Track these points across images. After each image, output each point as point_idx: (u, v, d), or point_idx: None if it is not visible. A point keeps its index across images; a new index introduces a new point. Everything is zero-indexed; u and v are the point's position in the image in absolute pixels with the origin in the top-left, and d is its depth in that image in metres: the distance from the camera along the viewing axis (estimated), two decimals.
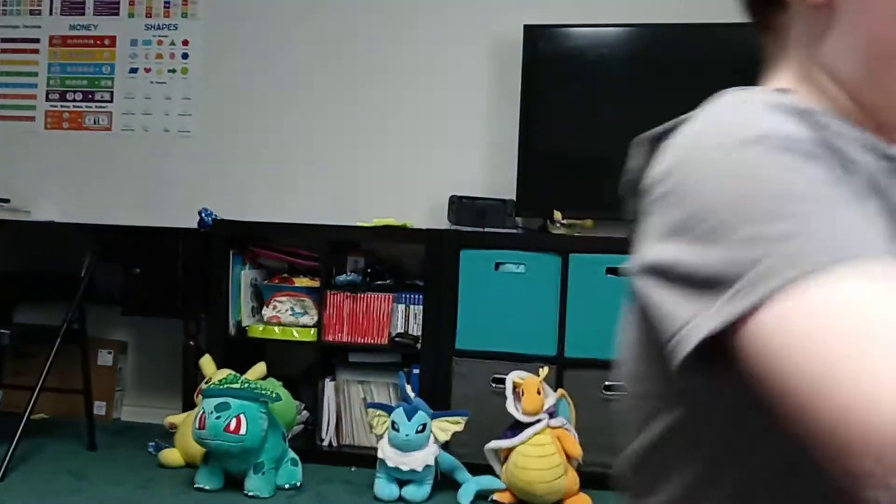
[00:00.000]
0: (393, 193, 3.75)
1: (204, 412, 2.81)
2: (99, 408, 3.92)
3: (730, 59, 3.36)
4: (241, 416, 2.78)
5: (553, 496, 2.87)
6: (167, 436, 3.35)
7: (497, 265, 3.23)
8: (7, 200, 3.93)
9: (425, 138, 3.77)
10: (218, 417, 2.78)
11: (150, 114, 4.05)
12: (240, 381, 2.93)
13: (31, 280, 3.67)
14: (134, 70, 4.09)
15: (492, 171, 3.65)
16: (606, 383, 3.08)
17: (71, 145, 4.09)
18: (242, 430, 2.77)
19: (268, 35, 3.94)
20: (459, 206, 3.41)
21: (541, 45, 3.48)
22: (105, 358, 3.98)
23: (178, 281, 3.51)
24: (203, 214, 3.57)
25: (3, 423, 3.21)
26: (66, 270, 3.31)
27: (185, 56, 4.03)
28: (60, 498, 2.77)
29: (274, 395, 2.90)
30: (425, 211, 3.63)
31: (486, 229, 3.34)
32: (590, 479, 2.95)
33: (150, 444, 3.37)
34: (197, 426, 2.81)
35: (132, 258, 3.53)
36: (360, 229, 3.44)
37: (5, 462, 2.96)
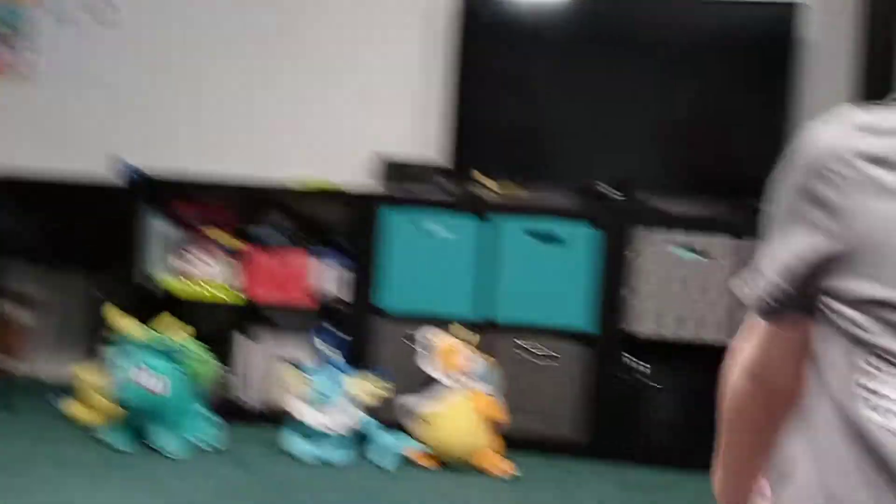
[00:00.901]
0: (318, 149, 3.68)
1: (118, 368, 2.74)
2: (5, 362, 3.78)
3: (669, 32, 3.42)
4: (156, 372, 2.71)
5: (474, 459, 2.90)
6: (76, 390, 3.25)
7: (422, 227, 3.22)
8: None
9: (353, 95, 3.70)
10: (130, 373, 2.71)
11: (66, 61, 3.87)
12: (155, 337, 2.86)
13: None
14: (56, 16, 3.87)
15: (420, 133, 3.62)
16: (529, 346, 3.11)
17: None
18: (157, 387, 2.70)
19: None
20: (386, 167, 3.37)
21: (476, 5, 3.45)
22: (16, 314, 3.82)
23: (90, 233, 3.38)
24: (120, 166, 3.44)
25: None
26: None
27: (110, 4, 3.85)
28: None
29: (189, 351, 2.84)
30: (350, 169, 3.58)
31: (412, 191, 3.32)
32: (513, 443, 2.99)
33: (57, 398, 3.26)
34: (111, 382, 2.73)
35: (42, 208, 3.39)
36: (282, 187, 3.37)
37: None
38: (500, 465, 2.90)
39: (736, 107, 3.35)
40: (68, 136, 3.82)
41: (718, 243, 3.08)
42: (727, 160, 3.38)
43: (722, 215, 3.23)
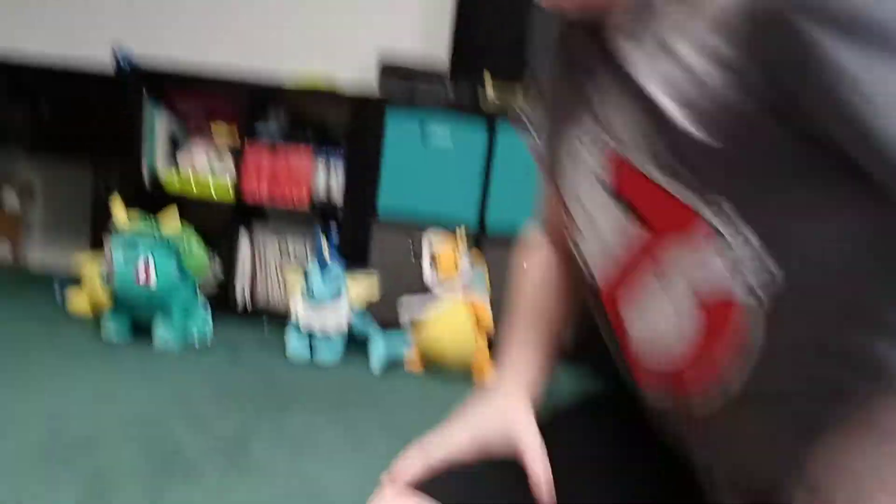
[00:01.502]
0: (320, 46, 3.59)
1: (113, 259, 2.73)
2: (4, 251, 3.80)
3: None
4: (151, 263, 2.71)
5: (463, 366, 2.91)
6: (75, 282, 3.27)
7: (424, 132, 3.16)
8: None
9: None
10: (126, 263, 2.70)
11: None
12: (151, 228, 2.84)
13: None
14: None
15: (425, 30, 3.53)
16: None
17: None
18: (151, 278, 2.70)
19: None
20: (391, 70, 3.29)
21: None
22: (11, 201, 3.81)
23: (89, 122, 3.34)
24: (119, 56, 3.38)
25: None
26: None
27: None
28: None
29: (186, 244, 2.83)
30: (353, 66, 3.51)
31: (415, 93, 3.25)
32: None
33: (57, 287, 3.29)
34: (106, 272, 2.74)
35: (42, 95, 3.34)
36: (287, 86, 3.31)
37: None
38: (491, 372, 2.92)
39: None
40: (70, 21, 3.74)
41: None
42: None
43: None
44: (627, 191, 0.69)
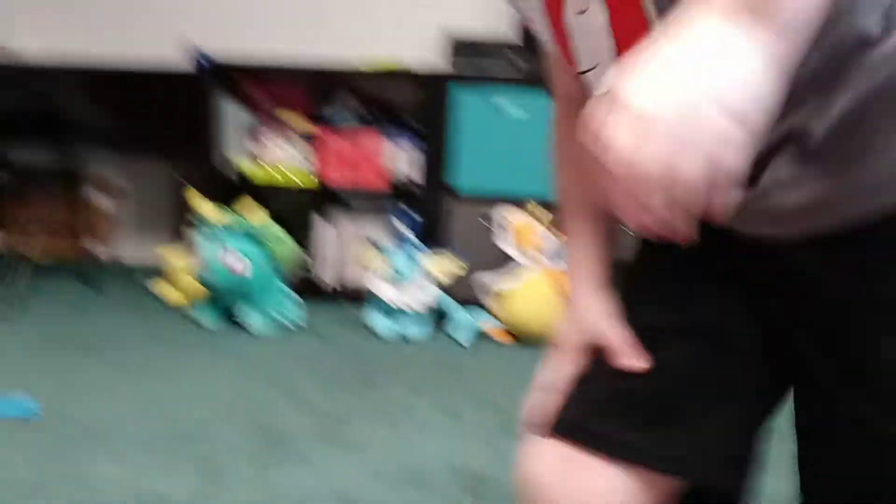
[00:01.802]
0: (389, 29, 3.63)
1: (204, 251, 2.83)
2: (98, 249, 3.95)
3: None
4: (240, 254, 2.80)
5: (548, 335, 2.93)
6: (163, 273, 3.39)
7: (493, 105, 3.18)
8: None
9: None
10: (217, 256, 2.80)
11: None
12: (238, 221, 2.94)
13: (20, 121, 3.60)
14: None
15: (493, 11, 3.53)
16: None
17: None
18: (242, 268, 2.80)
19: None
20: (458, 47, 3.31)
21: None
22: (100, 200, 3.96)
23: (169, 121, 3.45)
24: (194, 54, 3.47)
25: (5, 264, 3.24)
26: (55, 110, 3.25)
27: None
28: (67, 333, 2.83)
29: (269, 232, 2.91)
30: (419, 47, 3.53)
31: (483, 68, 3.26)
32: None
33: (149, 282, 3.42)
34: (196, 265, 2.84)
35: (118, 95, 3.46)
36: (355, 70, 3.36)
37: (11, 301, 3.00)
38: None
39: None
40: (138, 21, 3.86)
41: None
42: None
43: None
44: None
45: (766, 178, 0.69)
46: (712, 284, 0.82)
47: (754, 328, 0.80)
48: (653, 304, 0.85)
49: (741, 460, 0.82)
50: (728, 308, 0.81)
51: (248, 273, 2.81)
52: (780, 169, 0.68)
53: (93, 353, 2.65)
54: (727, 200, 0.57)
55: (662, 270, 0.86)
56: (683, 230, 0.59)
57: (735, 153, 0.55)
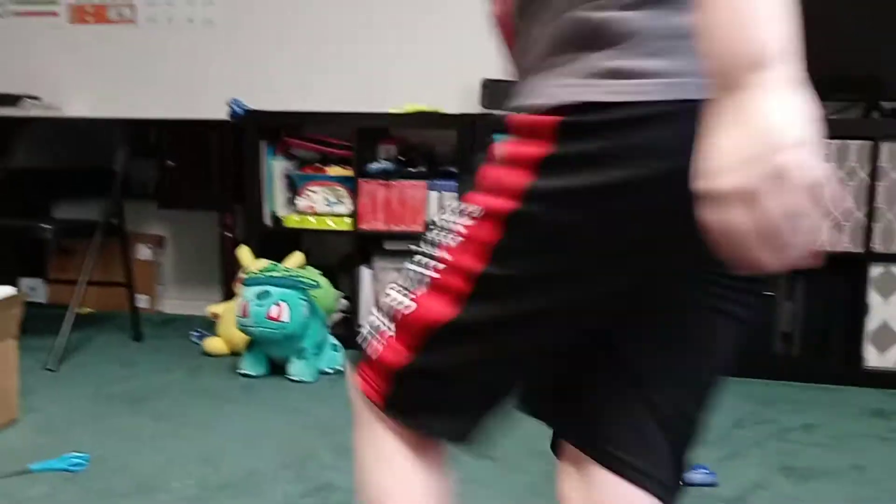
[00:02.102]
0: (424, 78, 3.68)
1: (246, 301, 2.86)
2: (141, 301, 4.00)
3: None
4: (282, 303, 2.82)
5: None
6: (209, 326, 3.42)
7: None
8: (38, 98, 3.93)
9: (455, 18, 3.67)
10: (260, 305, 2.82)
11: (173, 4, 3.98)
12: (279, 270, 2.96)
13: (67, 176, 3.70)
14: None
15: None
16: None
17: (96, 39, 4.05)
18: (284, 317, 2.81)
19: None
20: (492, 89, 3.33)
21: None
22: (145, 252, 4.03)
23: (211, 173, 3.51)
24: (233, 105, 3.54)
25: (51, 316, 3.29)
26: (101, 165, 3.32)
27: None
28: (113, 386, 2.86)
29: (313, 282, 2.93)
30: (457, 95, 3.57)
31: None
32: None
33: (194, 333, 3.45)
34: (240, 314, 2.86)
35: (165, 152, 3.54)
36: (391, 116, 3.40)
37: (58, 353, 3.04)
38: None
39: None
40: (182, 80, 3.95)
41: None
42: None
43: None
44: None
45: None
46: None
47: None
48: None
49: None
50: None
51: (289, 321, 2.82)
52: None
53: (139, 405, 2.67)
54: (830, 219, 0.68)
55: None
56: (812, 257, 0.69)
57: (824, 184, 0.66)
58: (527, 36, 0.90)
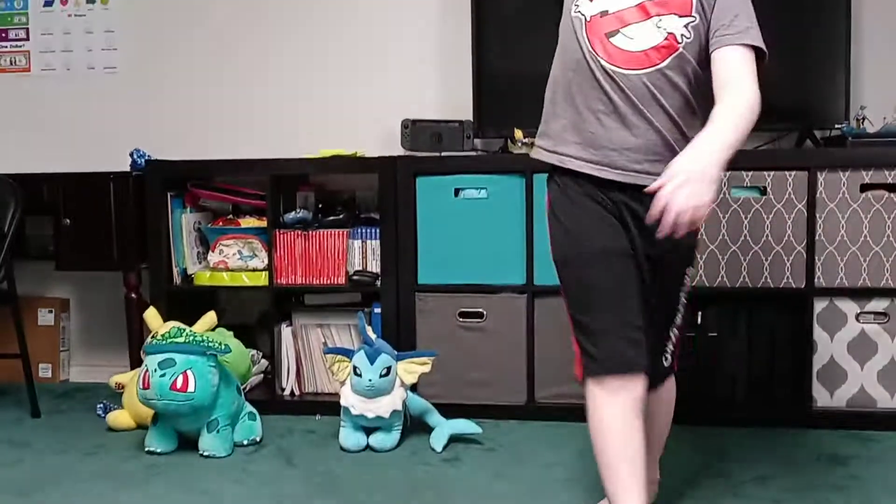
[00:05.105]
0: (341, 121, 3.48)
1: (147, 370, 2.59)
2: (44, 370, 3.69)
3: None
4: (188, 372, 2.56)
5: None
6: (116, 396, 3.13)
7: (457, 191, 3.00)
8: None
9: (371, 59, 3.49)
10: (163, 375, 2.55)
11: (70, 51, 3.72)
12: (184, 335, 2.70)
13: None
14: (49, 3, 3.74)
15: (446, 91, 3.40)
16: None
17: None
18: (190, 387, 2.55)
19: None
20: (413, 130, 3.15)
21: None
22: (46, 317, 3.72)
23: (113, 230, 3.24)
24: (135, 156, 3.29)
25: None
26: None
27: None
28: (5, 477, 2.54)
29: (223, 346, 2.67)
30: (377, 138, 3.38)
31: (443, 153, 3.10)
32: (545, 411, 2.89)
33: (98, 405, 3.15)
34: (141, 386, 2.59)
35: (62, 208, 3.25)
36: (306, 161, 3.19)
37: None
38: None
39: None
40: (81, 131, 3.70)
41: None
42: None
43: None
44: None
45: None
46: (618, 226, 1.78)
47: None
48: (602, 235, 1.77)
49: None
50: (628, 240, 1.78)
51: (196, 391, 2.56)
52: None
53: (26, 498, 2.37)
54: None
55: (600, 216, 1.78)
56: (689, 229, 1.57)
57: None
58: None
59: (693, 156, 1.57)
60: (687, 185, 1.52)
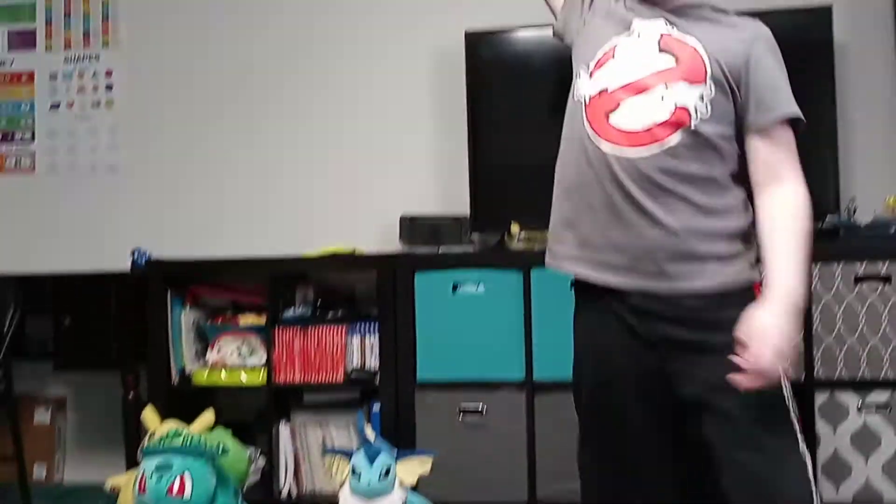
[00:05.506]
0: (339, 219, 3.53)
1: (144, 474, 2.56)
2: (39, 471, 3.64)
3: None
4: (185, 476, 2.52)
5: None
6: (112, 500, 3.08)
7: (455, 287, 3.02)
8: None
9: (369, 158, 3.56)
10: (159, 479, 2.52)
11: (75, 151, 3.80)
12: (182, 436, 2.67)
13: None
14: (56, 106, 3.83)
15: (442, 188, 3.45)
16: None
17: None
18: (187, 492, 2.50)
19: (194, 60, 3.70)
20: (411, 227, 3.19)
21: (484, 51, 3.29)
22: (42, 416, 3.69)
23: (113, 329, 3.24)
24: (135, 255, 3.32)
25: None
26: None
27: (108, 88, 3.79)
28: None
29: (220, 448, 2.65)
30: (375, 234, 3.41)
31: (441, 249, 3.14)
32: None
33: None
34: (137, 490, 2.55)
35: (62, 308, 3.27)
36: (305, 259, 3.22)
37: None
38: None
39: None
40: (82, 231, 3.73)
41: None
42: None
43: None
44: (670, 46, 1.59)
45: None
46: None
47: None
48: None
49: None
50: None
51: (195, 497, 2.52)
52: None
53: None
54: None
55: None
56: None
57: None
58: None
59: (773, 309, 1.49)
60: (774, 346, 1.48)
